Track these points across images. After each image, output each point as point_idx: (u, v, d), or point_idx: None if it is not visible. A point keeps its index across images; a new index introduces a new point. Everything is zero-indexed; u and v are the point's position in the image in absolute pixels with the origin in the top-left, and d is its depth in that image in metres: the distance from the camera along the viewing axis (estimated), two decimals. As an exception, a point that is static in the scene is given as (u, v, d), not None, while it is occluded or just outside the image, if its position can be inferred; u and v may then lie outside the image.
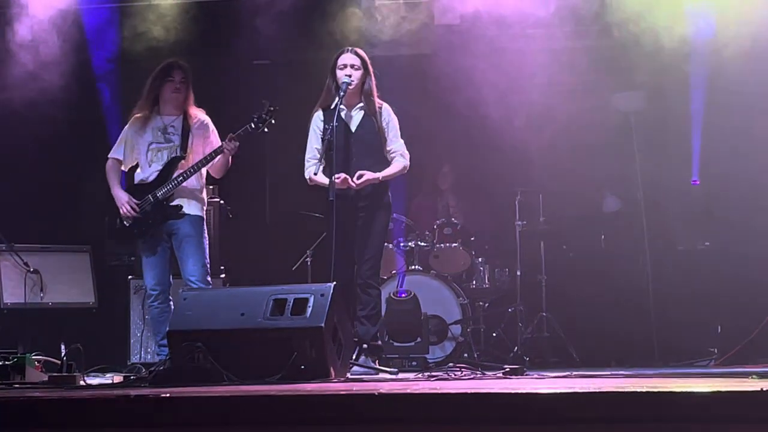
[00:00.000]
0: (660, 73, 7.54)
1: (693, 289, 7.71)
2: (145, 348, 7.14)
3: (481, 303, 7.73)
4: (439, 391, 3.43)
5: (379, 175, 6.23)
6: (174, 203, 6.40)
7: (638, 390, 3.25)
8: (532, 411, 3.17)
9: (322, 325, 4.79)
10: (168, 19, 7.89)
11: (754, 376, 4.46)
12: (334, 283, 5.10)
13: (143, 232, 6.49)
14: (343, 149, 6.21)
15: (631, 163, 8.15)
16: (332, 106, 6.21)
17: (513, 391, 3.38)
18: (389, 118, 6.38)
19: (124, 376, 5.65)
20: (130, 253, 7.45)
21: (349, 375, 5.42)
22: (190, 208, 6.46)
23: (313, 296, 4.91)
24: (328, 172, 6.17)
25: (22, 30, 7.95)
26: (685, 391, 3.18)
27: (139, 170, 6.53)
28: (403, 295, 7.20)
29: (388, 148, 6.33)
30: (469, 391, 3.45)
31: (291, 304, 4.92)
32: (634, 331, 7.71)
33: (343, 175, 6.15)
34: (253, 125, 6.33)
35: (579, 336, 7.69)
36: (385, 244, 6.74)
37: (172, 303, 6.46)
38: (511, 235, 7.86)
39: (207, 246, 6.56)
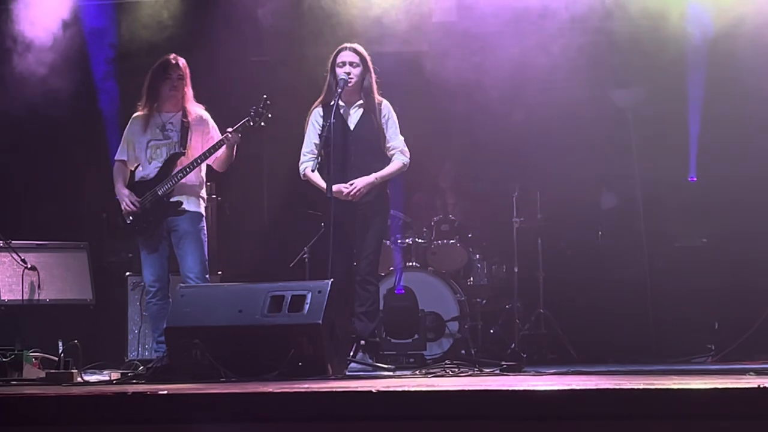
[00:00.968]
0: (658, 69, 7.56)
1: (690, 285, 7.73)
2: (142, 345, 7.16)
3: (478, 300, 7.76)
4: (436, 389, 3.45)
5: (374, 176, 6.23)
6: (174, 199, 6.42)
7: (636, 387, 3.26)
8: (529, 408, 3.19)
9: (320, 321, 4.80)
10: (166, 15, 7.84)
11: (751, 373, 4.50)
12: (332, 280, 5.11)
13: (144, 229, 6.51)
14: (341, 147, 6.23)
15: (629, 160, 8.19)
16: (331, 103, 6.23)
17: (510, 389, 3.39)
18: (389, 115, 6.39)
19: (122, 373, 5.68)
20: (127, 250, 7.44)
21: (346, 372, 5.43)
22: (190, 204, 6.49)
23: (310, 293, 4.93)
24: (326, 169, 6.20)
25: (21, 28, 7.91)
26: (682, 388, 3.20)
27: (139, 168, 6.57)
28: (401, 292, 7.22)
29: (387, 145, 6.34)
30: (466, 389, 3.47)
31: (288, 301, 4.93)
32: (632, 328, 7.74)
33: (341, 190, 6.12)
34: (250, 119, 6.36)
35: (577, 333, 7.72)
36: (383, 241, 6.74)
37: (171, 300, 6.48)
38: (509, 232, 7.88)
39: (206, 243, 6.58)
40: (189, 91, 6.55)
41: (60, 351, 5.83)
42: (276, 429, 3.30)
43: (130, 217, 6.45)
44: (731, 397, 3.15)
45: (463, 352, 7.13)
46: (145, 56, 7.28)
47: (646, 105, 7.88)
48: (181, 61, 6.54)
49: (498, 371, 5.73)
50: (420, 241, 7.71)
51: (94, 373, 5.66)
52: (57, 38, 7.89)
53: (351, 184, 6.14)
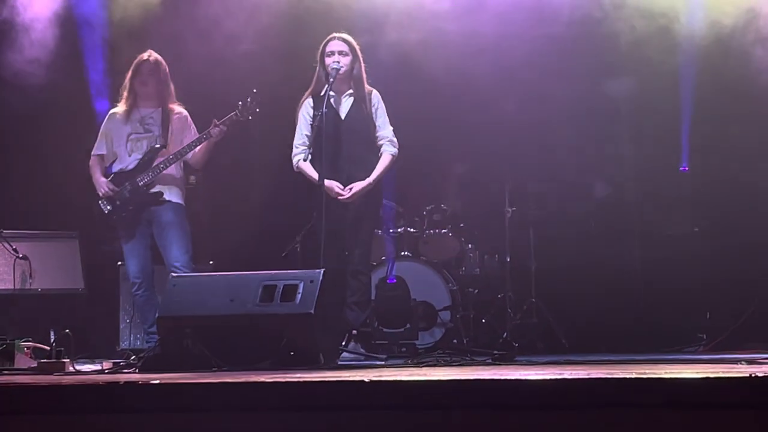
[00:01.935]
0: (651, 60, 7.54)
1: (682, 274, 7.74)
2: (134, 334, 7.15)
3: (470, 289, 7.77)
4: (428, 378, 3.46)
5: (370, 179, 6.24)
6: (154, 190, 6.46)
7: (628, 376, 3.27)
8: (521, 398, 3.19)
9: (312, 311, 4.81)
10: (152, 7, 7.83)
11: (743, 362, 4.50)
12: (324, 269, 5.11)
13: (123, 218, 6.54)
14: (333, 137, 6.22)
15: (621, 150, 8.20)
16: (322, 93, 6.20)
17: (502, 378, 3.40)
18: (378, 104, 6.39)
19: (114, 363, 5.66)
20: (119, 239, 7.43)
21: (338, 361, 5.43)
22: (172, 195, 6.53)
23: (302, 283, 4.93)
24: (318, 159, 6.18)
25: (14, 15, 7.89)
26: (674, 377, 3.21)
27: (116, 162, 6.60)
28: (393, 282, 7.23)
29: (377, 134, 6.33)
30: (457, 378, 3.48)
31: (281, 290, 4.94)
32: (624, 317, 7.76)
33: (333, 188, 6.16)
34: (238, 113, 6.39)
35: (568, 322, 7.74)
36: (375, 230, 6.76)
37: (155, 291, 6.46)
38: (501, 222, 7.89)
39: (189, 233, 6.60)
40: (168, 89, 6.60)
41: (52, 340, 5.82)
42: (268, 419, 3.29)
43: (108, 207, 6.47)
44: (723, 386, 3.15)
45: (455, 341, 7.15)
46: (132, 50, 7.24)
47: (639, 96, 7.86)
48: (154, 57, 6.59)
49: (489, 361, 5.73)
50: (412, 230, 7.71)
51: (86, 363, 5.63)
52: (49, 27, 7.79)
53: (350, 188, 6.14)
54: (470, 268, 7.91)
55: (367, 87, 6.38)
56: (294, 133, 6.43)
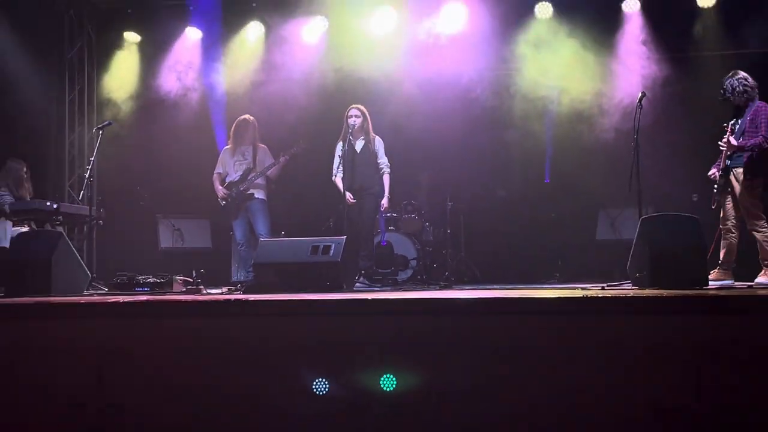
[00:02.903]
0: (529, 122, 8.02)
1: (546, 238, 8.08)
2: (239, 273, 7.37)
3: (427, 248, 7.99)
4: (402, 297, 3.57)
5: (385, 197, 6.57)
6: (249, 192, 6.79)
7: (512, 296, 3.45)
8: (454, 307, 3.32)
9: (339, 260, 4.98)
10: (246, 87, 8.04)
11: (580, 289, 4.74)
12: (345, 237, 5.26)
13: (232, 208, 6.86)
14: (352, 163, 6.47)
15: (511, 170, 8.52)
16: (345, 138, 6.50)
17: (444, 297, 3.52)
18: (379, 144, 6.59)
19: (228, 288, 5.96)
20: (230, 219, 7.49)
21: (354, 288, 5.62)
22: (259, 194, 6.81)
23: (334, 244, 5.10)
24: (345, 175, 6.46)
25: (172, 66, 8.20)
26: (540, 297, 3.33)
27: (228, 176, 6.91)
28: (384, 244, 7.56)
29: (378, 161, 6.56)
30: (420, 297, 3.62)
31: (321, 248, 5.12)
32: (515, 263, 8.06)
33: (348, 197, 6.36)
34: (295, 149, 6.80)
35: (482, 266, 8.03)
36: (375, 216, 6.95)
37: (250, 249, 6.55)
38: (445, 210, 8.14)
39: (269, 216, 6.82)
40: (255, 134, 6.91)
41: (193, 275, 6.07)
42: (315, 320, 3.38)
43: (223, 202, 6.82)
44: (567, 301, 3.30)
45: (419, 277, 7.38)
46: (236, 108, 7.50)
47: (522, 140, 8.13)
48: (247, 118, 6.93)
49: (438, 287, 5.98)
50: (395, 215, 7.90)
51: (213, 288, 5.91)
52: (192, 92, 8.33)
53: (382, 204, 6.43)
54: (427, 236, 8.11)
55: (372, 134, 6.56)
56: (332, 160, 6.61)
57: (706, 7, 7.77)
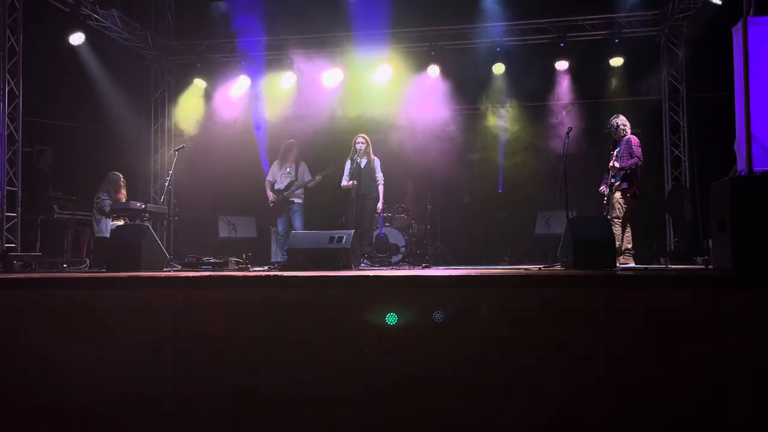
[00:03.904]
0: (487, 147, 8.16)
1: (502, 232, 8.09)
2: (277, 255, 7.36)
3: (414, 239, 7.96)
4: (396, 274, 3.57)
5: (380, 202, 6.53)
6: (291, 199, 6.77)
7: (473, 273, 3.41)
8: (434, 282, 3.28)
9: (349, 247, 4.97)
10: (285, 117, 8.02)
11: (524, 270, 4.74)
12: (353, 230, 5.27)
13: (277, 210, 6.85)
14: (357, 175, 6.45)
15: (473, 182, 8.54)
16: (353, 158, 6.50)
17: (426, 274, 3.50)
18: (377, 164, 6.58)
19: (268, 267, 5.97)
20: (275, 217, 7.54)
21: (360, 267, 5.59)
22: (298, 200, 6.82)
23: (345, 235, 5.08)
24: (354, 185, 6.47)
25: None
26: (494, 275, 3.35)
27: (275, 184, 6.88)
28: (382, 235, 7.55)
29: (375, 176, 6.55)
30: (409, 274, 3.64)
31: (336, 238, 5.10)
32: (479, 250, 8.10)
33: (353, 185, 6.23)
34: (327, 169, 6.82)
35: (453, 252, 8.00)
36: (374, 214, 6.90)
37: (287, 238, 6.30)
38: (425, 211, 8.15)
39: (304, 215, 6.85)
40: (296, 154, 6.85)
41: (244, 258, 6.03)
42: (332, 291, 3.33)
43: (272, 204, 6.77)
44: (511, 277, 3.31)
45: (407, 260, 7.38)
46: (280, 132, 7.45)
47: (482, 161, 8.25)
48: (291, 142, 6.86)
49: (421, 267, 6.01)
50: (389, 214, 7.85)
51: (258, 267, 5.90)
52: (242, 123, 8.25)
53: (378, 207, 6.41)
54: (413, 230, 8.06)
55: (372, 155, 6.55)
56: (342, 173, 6.64)
57: (615, 66, 7.99)
